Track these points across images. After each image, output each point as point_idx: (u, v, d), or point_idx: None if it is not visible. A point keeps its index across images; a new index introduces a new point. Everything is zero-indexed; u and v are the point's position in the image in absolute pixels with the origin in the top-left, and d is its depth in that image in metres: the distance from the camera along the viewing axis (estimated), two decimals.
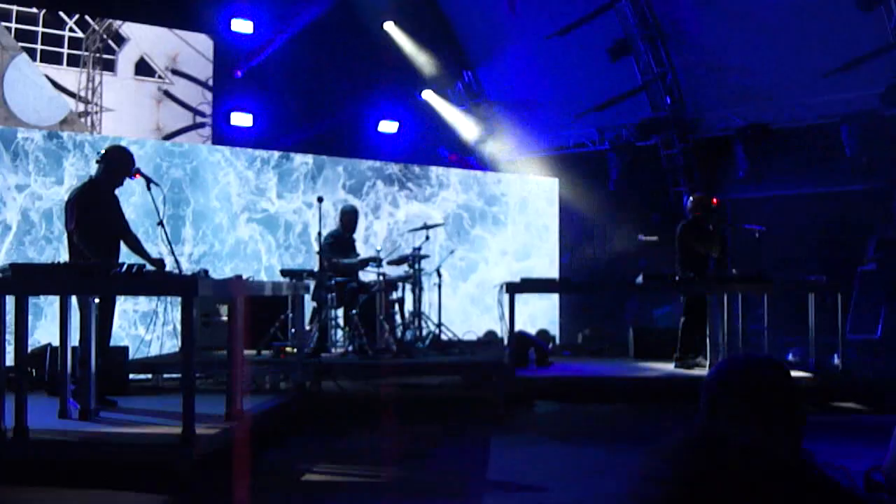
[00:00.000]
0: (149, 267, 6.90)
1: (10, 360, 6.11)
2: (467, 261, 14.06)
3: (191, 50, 12.58)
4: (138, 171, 7.54)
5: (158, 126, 12.17)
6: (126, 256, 7.55)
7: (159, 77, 12.28)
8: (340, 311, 10.62)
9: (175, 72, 12.42)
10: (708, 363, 10.28)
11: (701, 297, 10.43)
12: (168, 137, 12.23)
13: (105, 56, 11.58)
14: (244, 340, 7.35)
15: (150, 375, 9.34)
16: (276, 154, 12.53)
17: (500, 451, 7.40)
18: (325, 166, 12.82)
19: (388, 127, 15.82)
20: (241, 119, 13.90)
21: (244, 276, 7.66)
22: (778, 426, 2.21)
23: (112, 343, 7.97)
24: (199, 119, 12.68)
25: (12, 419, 5.84)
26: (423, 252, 11.03)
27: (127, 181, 7.81)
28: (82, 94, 11.50)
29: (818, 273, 10.61)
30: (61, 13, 11.32)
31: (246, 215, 12.13)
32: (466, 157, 16.77)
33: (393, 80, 15.51)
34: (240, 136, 13.33)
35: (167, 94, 12.31)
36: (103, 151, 7.85)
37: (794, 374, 2.54)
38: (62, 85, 11.33)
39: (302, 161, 12.62)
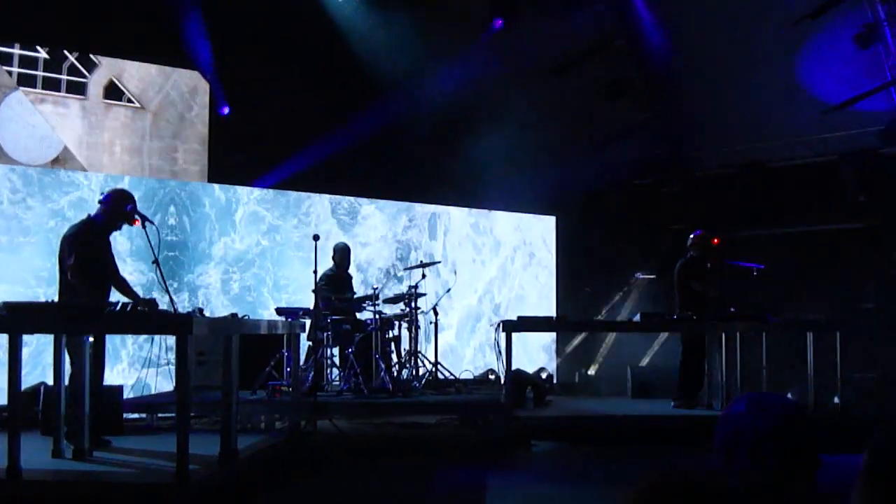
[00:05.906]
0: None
1: (3, 399, 6.05)
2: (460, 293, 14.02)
3: (178, 88, 12.50)
4: (138, 218, 7.40)
5: (150, 164, 12.05)
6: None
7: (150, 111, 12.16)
8: (336, 350, 10.57)
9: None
10: (707, 402, 10.25)
11: (699, 336, 10.39)
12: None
13: (76, 79, 11.37)
14: (239, 379, 7.30)
15: (144, 415, 9.28)
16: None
17: (498, 491, 7.33)
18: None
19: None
20: (234, 154, 13.51)
21: (239, 315, 7.61)
22: (796, 467, 2.18)
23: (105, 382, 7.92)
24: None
25: (5, 459, 5.77)
26: (419, 290, 11.00)
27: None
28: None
29: (817, 311, 10.57)
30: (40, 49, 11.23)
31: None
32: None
33: None
34: (234, 173, 13.14)
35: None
36: (106, 193, 7.67)
37: None
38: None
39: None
